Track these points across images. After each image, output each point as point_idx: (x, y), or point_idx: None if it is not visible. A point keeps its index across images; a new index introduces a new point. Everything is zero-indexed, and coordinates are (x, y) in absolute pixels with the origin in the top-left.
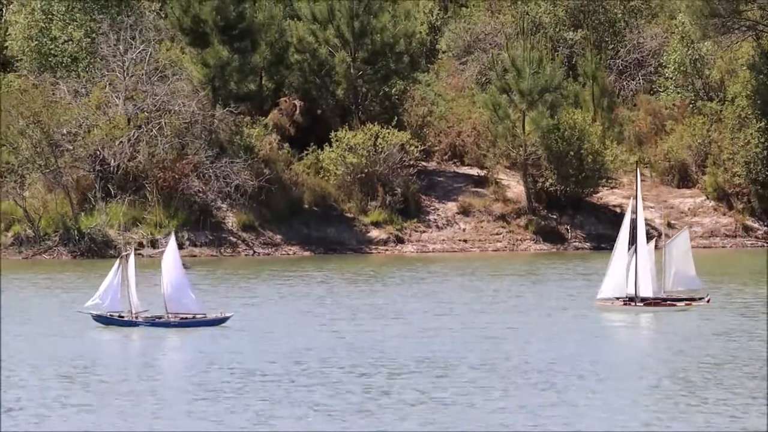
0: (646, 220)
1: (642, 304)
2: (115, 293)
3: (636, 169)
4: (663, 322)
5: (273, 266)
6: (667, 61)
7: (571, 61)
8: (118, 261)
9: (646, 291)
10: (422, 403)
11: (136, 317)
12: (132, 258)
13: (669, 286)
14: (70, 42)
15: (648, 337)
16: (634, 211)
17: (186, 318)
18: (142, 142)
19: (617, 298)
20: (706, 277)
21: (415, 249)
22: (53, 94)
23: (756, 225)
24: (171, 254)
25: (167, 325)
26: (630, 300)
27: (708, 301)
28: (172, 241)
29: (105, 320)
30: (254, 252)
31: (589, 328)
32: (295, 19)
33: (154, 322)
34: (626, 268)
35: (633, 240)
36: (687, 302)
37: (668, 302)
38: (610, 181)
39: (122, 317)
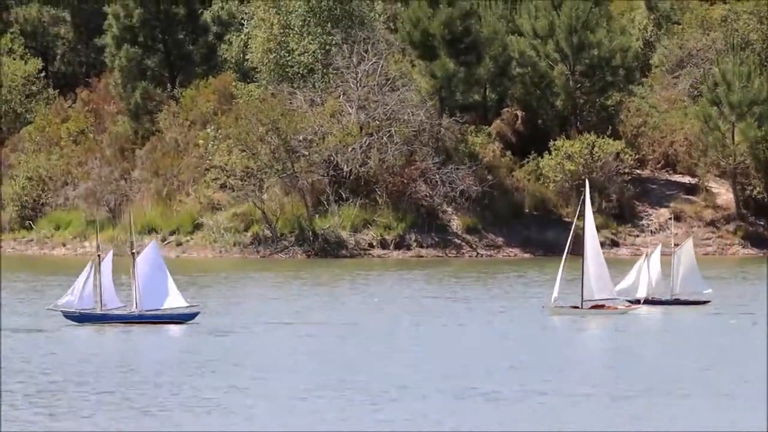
0: None
1: (590, 308)
2: (89, 291)
3: (585, 182)
4: None
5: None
6: None
7: None
8: (91, 260)
9: (592, 295)
10: None
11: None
12: (109, 257)
13: (677, 290)
14: (306, 54)
15: None
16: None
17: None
18: (373, 148)
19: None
20: None
21: (629, 252)
22: (290, 103)
23: None
24: (153, 256)
25: (135, 319)
26: (637, 302)
27: (639, 302)
28: (155, 247)
29: (76, 317)
30: (477, 254)
31: None
32: (517, 34)
33: (125, 317)
34: (637, 273)
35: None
36: (628, 305)
37: (613, 306)
38: None
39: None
